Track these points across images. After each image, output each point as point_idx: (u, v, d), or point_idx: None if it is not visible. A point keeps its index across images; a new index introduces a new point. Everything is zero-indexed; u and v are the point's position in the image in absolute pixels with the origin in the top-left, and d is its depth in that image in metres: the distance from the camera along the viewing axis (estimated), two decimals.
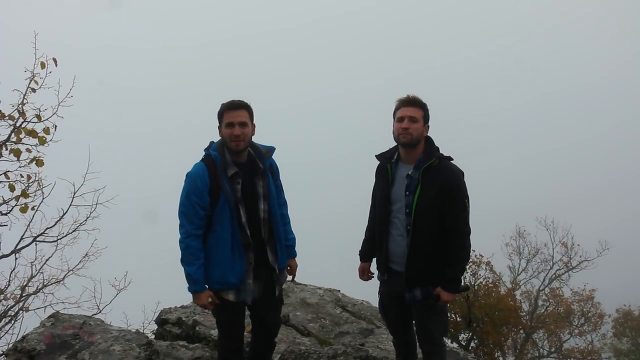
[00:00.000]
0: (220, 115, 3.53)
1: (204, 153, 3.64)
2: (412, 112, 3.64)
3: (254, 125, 3.61)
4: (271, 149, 3.73)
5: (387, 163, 3.82)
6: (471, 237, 3.72)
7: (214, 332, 5.09)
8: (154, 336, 5.55)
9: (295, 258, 4.02)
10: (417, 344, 4.07)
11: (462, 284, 3.87)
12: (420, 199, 3.60)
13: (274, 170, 3.80)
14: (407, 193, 3.67)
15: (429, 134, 3.77)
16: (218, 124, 3.58)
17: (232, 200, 3.48)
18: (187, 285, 3.56)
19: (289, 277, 4.02)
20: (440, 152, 3.74)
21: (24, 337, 4.46)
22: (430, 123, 3.76)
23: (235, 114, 3.48)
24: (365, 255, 4.14)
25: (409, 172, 3.69)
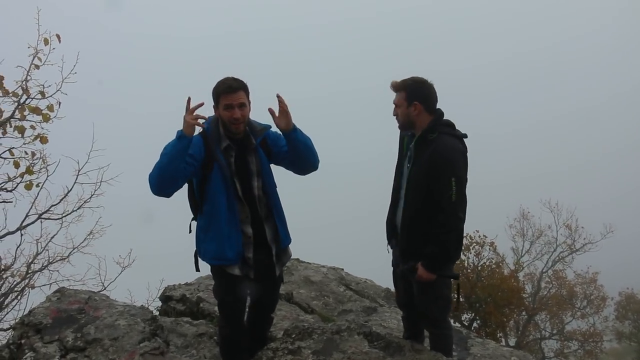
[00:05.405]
0: (217, 96, 3.35)
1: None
2: (395, 98, 3.70)
3: (249, 102, 3.44)
4: (266, 127, 3.54)
5: (404, 135, 3.84)
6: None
7: None
8: (158, 313, 5.58)
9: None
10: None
11: (452, 271, 3.74)
12: (412, 172, 3.61)
13: (268, 143, 3.58)
14: (408, 165, 3.70)
15: (440, 108, 3.65)
16: (214, 103, 3.43)
17: (227, 173, 3.38)
18: (173, 145, 3.18)
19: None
20: (455, 128, 3.64)
21: (30, 311, 4.49)
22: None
23: (234, 97, 3.31)
24: None
25: (411, 145, 3.70)
